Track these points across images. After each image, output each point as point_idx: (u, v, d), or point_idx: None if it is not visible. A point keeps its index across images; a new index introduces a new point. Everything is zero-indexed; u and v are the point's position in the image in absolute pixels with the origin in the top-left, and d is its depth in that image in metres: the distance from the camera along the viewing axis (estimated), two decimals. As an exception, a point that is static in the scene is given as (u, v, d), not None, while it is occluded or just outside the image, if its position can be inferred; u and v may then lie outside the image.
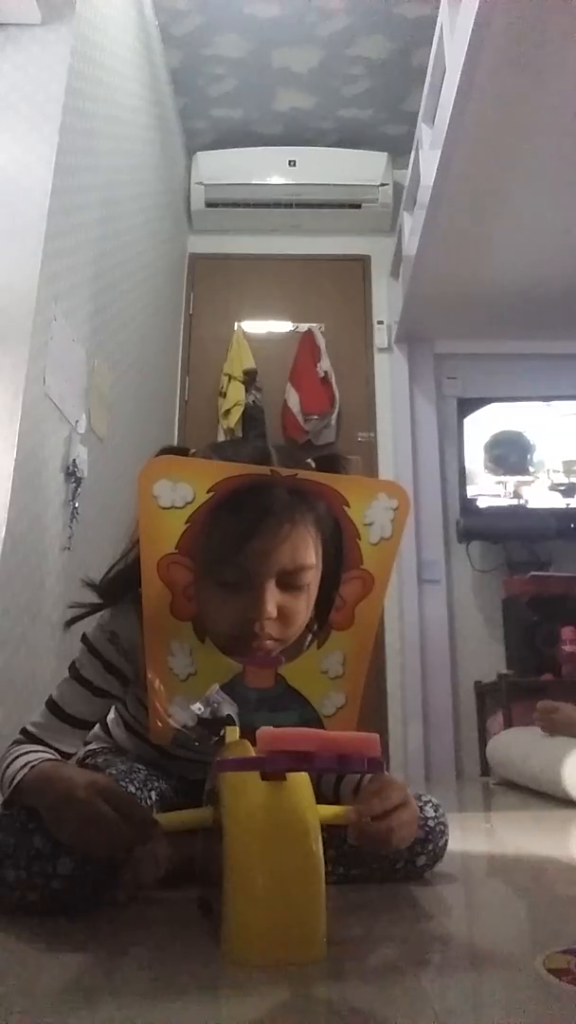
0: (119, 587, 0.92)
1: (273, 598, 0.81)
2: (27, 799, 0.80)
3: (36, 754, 0.86)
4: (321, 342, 3.57)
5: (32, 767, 0.82)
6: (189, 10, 2.94)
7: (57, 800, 0.75)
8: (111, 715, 1.05)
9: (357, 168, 3.60)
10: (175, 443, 3.35)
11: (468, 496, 3.25)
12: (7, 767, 0.85)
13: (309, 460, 0.89)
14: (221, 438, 3.34)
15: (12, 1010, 0.53)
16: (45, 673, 1.74)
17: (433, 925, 0.79)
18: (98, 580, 0.95)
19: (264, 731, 0.66)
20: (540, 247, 2.85)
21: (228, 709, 0.80)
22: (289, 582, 0.82)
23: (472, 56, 1.98)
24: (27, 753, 0.86)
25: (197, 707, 0.80)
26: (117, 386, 2.42)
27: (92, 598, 0.95)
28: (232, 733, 0.79)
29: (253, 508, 0.79)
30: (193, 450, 0.89)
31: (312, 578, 0.84)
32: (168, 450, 0.86)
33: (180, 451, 0.87)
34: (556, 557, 3.25)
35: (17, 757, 0.86)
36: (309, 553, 0.83)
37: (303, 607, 0.84)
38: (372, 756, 0.65)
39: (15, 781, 0.82)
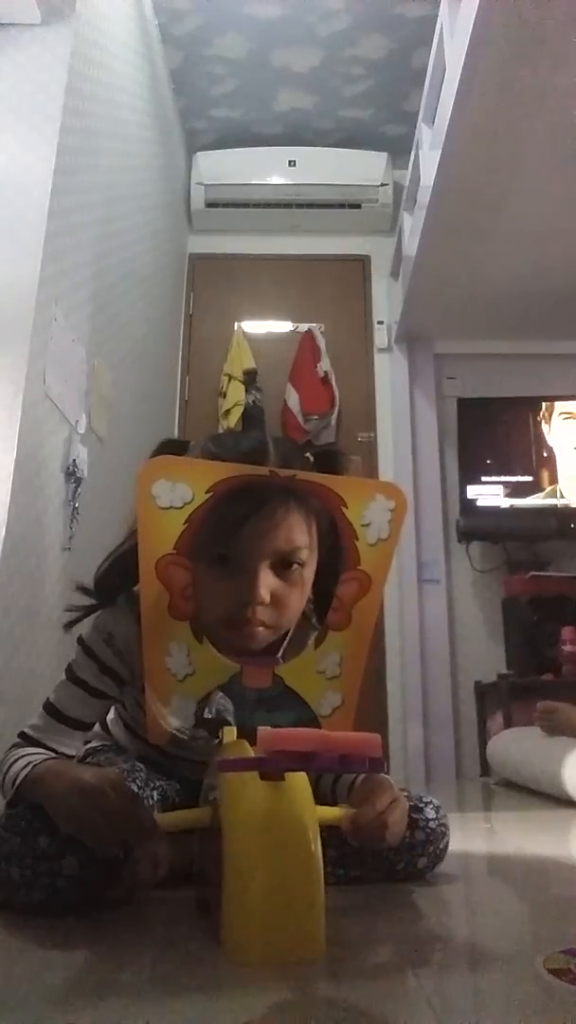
0: (113, 581, 0.92)
1: (267, 582, 0.81)
2: (32, 794, 0.81)
3: (38, 755, 0.86)
4: (321, 342, 3.57)
5: (35, 765, 0.83)
6: (189, 10, 2.94)
7: (68, 790, 0.76)
8: (111, 715, 1.05)
9: (357, 168, 3.60)
10: (175, 443, 3.36)
11: (468, 496, 3.25)
12: (8, 768, 0.86)
13: (308, 455, 0.89)
14: (221, 438, 3.34)
15: (14, 1008, 0.53)
16: (45, 673, 1.74)
17: (433, 925, 0.79)
18: (93, 574, 0.95)
19: (264, 731, 0.66)
20: (540, 247, 2.85)
21: (226, 710, 0.81)
22: (284, 563, 0.82)
23: (472, 56, 1.98)
24: (28, 754, 0.87)
25: (196, 710, 0.80)
26: (117, 386, 2.42)
27: (89, 601, 0.95)
28: (230, 733, 0.79)
29: (248, 495, 0.79)
30: (192, 442, 0.90)
31: (306, 560, 0.84)
32: (168, 442, 0.86)
33: (180, 443, 0.87)
34: (556, 557, 3.25)
35: (18, 759, 0.86)
36: (303, 535, 0.83)
37: (297, 594, 0.84)
38: (373, 756, 0.65)
39: (19, 779, 0.82)
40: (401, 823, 0.82)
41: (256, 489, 0.79)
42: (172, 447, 0.87)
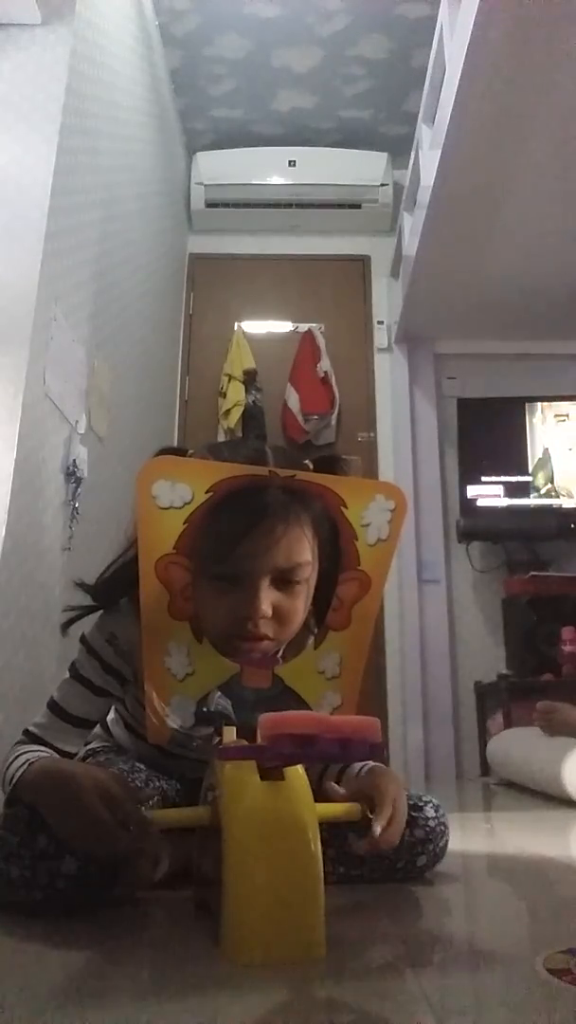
0: (114, 588, 0.92)
1: (268, 597, 0.81)
2: (28, 796, 0.81)
3: (36, 752, 0.87)
4: (321, 342, 3.57)
5: (31, 764, 0.83)
6: (189, 10, 2.94)
7: (60, 802, 0.76)
8: (111, 714, 1.05)
9: (357, 168, 3.60)
10: (175, 443, 3.37)
11: (468, 496, 3.25)
12: (8, 766, 0.86)
13: (307, 461, 0.89)
14: (221, 438, 3.34)
15: (14, 1007, 0.53)
16: (45, 673, 1.74)
17: (433, 925, 0.79)
18: (94, 581, 0.95)
19: (266, 716, 0.66)
20: (540, 247, 2.85)
21: (225, 709, 0.81)
22: (285, 580, 0.82)
23: (472, 56, 1.98)
24: (27, 752, 0.87)
25: (196, 709, 0.80)
26: (117, 386, 2.42)
27: (88, 600, 0.95)
28: (229, 733, 0.79)
29: (248, 508, 0.79)
30: (191, 451, 0.90)
31: (308, 576, 0.84)
32: (166, 451, 0.86)
33: (178, 451, 0.87)
34: (556, 557, 3.25)
35: (18, 756, 0.86)
36: (304, 551, 0.82)
37: (299, 607, 0.84)
38: (374, 740, 0.65)
39: (15, 779, 0.83)
40: (402, 822, 0.83)
41: (255, 502, 0.79)
42: (170, 454, 0.87)
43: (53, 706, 0.92)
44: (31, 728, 0.92)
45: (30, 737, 0.91)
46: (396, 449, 3.49)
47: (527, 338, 3.51)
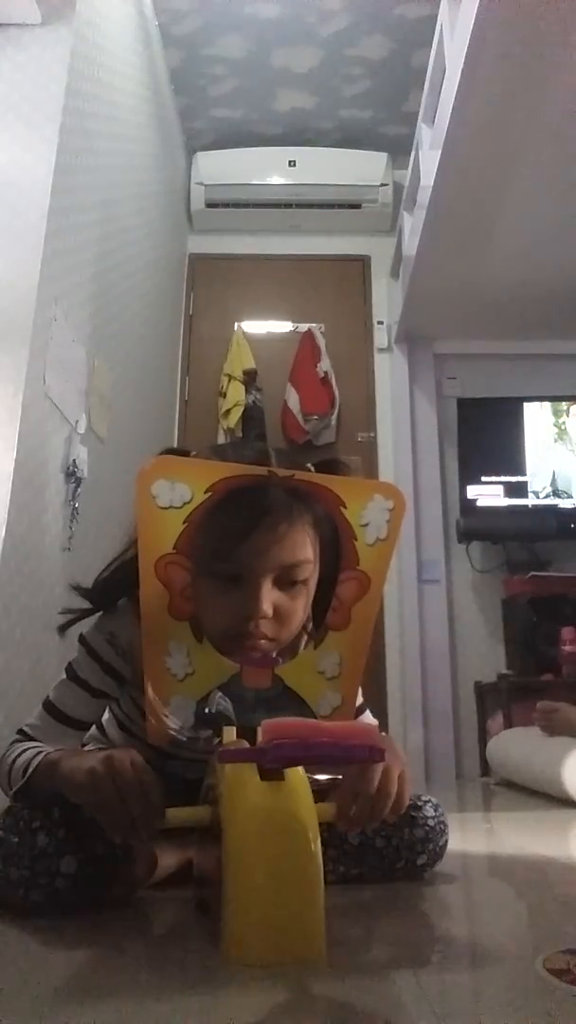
0: (112, 590, 0.92)
1: (269, 597, 0.81)
2: (46, 778, 0.80)
3: (44, 747, 0.86)
4: (321, 342, 3.56)
5: (47, 754, 0.82)
6: (189, 10, 2.94)
7: (87, 762, 0.75)
8: (106, 715, 1.05)
9: (357, 168, 3.60)
10: (175, 444, 3.37)
11: (468, 496, 3.25)
12: (14, 760, 0.85)
13: (309, 465, 0.89)
14: (221, 438, 3.34)
15: (14, 1007, 0.53)
16: (45, 673, 1.74)
17: (433, 925, 0.79)
18: (92, 583, 0.94)
19: (267, 723, 0.66)
20: (540, 247, 2.85)
21: (226, 710, 0.80)
22: (287, 578, 0.82)
23: (472, 56, 1.98)
24: (33, 747, 0.86)
25: (196, 709, 0.80)
26: (117, 386, 2.42)
27: (85, 603, 0.95)
28: (229, 733, 0.79)
29: (251, 506, 0.79)
30: (194, 452, 0.90)
31: (310, 575, 0.84)
32: (169, 452, 0.86)
33: (181, 453, 0.87)
34: (556, 557, 3.25)
35: (24, 751, 0.86)
36: (307, 549, 0.83)
37: (300, 608, 0.84)
38: (373, 745, 0.65)
39: (31, 765, 0.82)
40: (393, 793, 0.76)
41: (258, 501, 0.79)
42: (172, 455, 0.87)
43: (49, 707, 0.92)
44: (25, 729, 0.91)
45: (25, 738, 0.91)
46: (396, 449, 3.49)
47: (527, 338, 3.51)
